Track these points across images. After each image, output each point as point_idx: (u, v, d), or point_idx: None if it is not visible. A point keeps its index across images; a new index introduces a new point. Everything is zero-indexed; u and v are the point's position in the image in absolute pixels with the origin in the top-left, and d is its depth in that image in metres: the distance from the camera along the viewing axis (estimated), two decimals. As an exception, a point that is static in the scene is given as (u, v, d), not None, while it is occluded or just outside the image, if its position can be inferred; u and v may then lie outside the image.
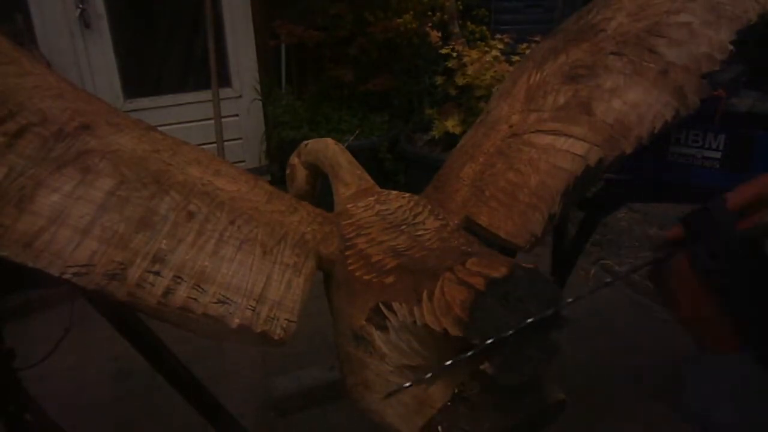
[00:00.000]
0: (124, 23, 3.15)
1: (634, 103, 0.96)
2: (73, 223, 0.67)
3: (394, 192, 0.99)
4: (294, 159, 1.23)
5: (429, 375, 0.65)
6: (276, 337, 0.73)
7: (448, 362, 0.62)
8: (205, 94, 3.16)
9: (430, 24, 3.21)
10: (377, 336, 0.70)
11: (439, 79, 3.12)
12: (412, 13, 3.14)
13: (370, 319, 0.71)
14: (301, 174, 1.22)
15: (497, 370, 0.60)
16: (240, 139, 3.47)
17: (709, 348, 0.59)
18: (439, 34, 3.11)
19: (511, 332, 0.59)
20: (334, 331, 0.83)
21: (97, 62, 3.09)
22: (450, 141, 2.84)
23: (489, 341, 0.58)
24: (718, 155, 1.28)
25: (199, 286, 0.71)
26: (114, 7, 3.06)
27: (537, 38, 2.57)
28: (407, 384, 0.63)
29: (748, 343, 0.56)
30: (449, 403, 0.65)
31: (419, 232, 0.86)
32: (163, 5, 3.27)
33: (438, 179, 1.04)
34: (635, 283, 2.37)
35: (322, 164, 1.12)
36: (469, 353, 0.59)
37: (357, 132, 3.07)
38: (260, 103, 3.38)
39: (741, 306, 0.57)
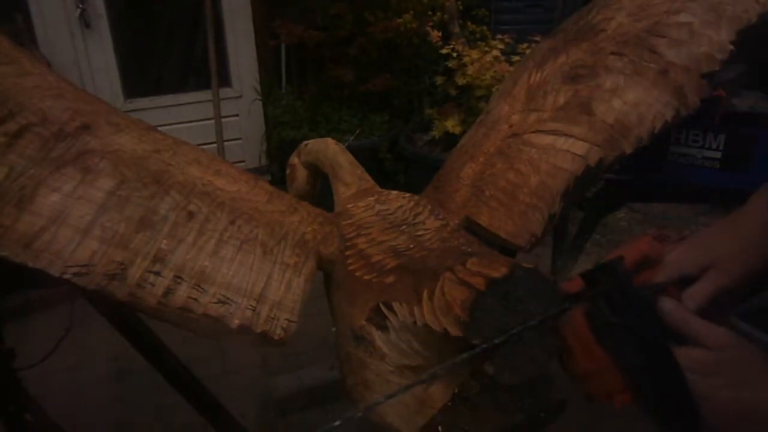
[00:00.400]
0: (124, 23, 3.15)
1: (634, 102, 0.96)
2: (73, 223, 0.67)
3: (394, 192, 0.99)
4: (294, 159, 1.23)
5: (421, 381, 0.64)
6: (276, 337, 0.73)
7: (442, 366, 0.62)
8: (205, 94, 3.16)
9: (430, 24, 3.21)
10: (377, 336, 0.70)
11: (439, 79, 3.12)
12: (412, 13, 3.14)
13: (370, 319, 0.71)
14: (301, 174, 1.22)
15: (497, 370, 0.60)
16: (240, 139, 3.47)
17: (598, 399, 0.63)
18: (439, 34, 3.10)
19: (513, 332, 0.59)
20: (334, 330, 0.83)
21: (97, 62, 3.09)
22: (450, 141, 2.83)
23: (492, 342, 0.58)
24: (718, 155, 1.27)
25: (199, 286, 0.71)
26: (114, 7, 3.06)
27: (537, 38, 2.57)
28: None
29: (638, 397, 0.59)
30: (449, 403, 0.65)
31: (419, 232, 0.86)
32: (163, 5, 3.27)
33: (438, 179, 1.04)
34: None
35: (322, 164, 1.12)
36: (471, 353, 0.59)
37: (357, 132, 3.07)
38: (260, 103, 3.37)
39: (632, 360, 0.59)
